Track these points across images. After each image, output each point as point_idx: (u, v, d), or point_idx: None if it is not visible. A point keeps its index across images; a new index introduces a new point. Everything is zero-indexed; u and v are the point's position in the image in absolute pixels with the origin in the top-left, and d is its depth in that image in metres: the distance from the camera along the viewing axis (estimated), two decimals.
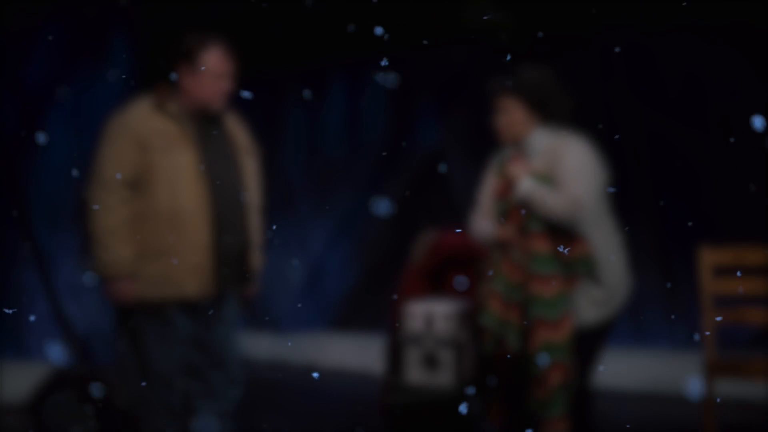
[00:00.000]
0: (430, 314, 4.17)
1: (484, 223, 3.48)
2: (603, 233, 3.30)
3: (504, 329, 3.30)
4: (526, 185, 3.22)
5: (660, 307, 6.14)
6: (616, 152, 6.21)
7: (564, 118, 3.34)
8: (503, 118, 3.35)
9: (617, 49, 6.23)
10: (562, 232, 3.20)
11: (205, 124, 3.40)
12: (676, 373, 5.74)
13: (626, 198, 6.23)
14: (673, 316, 6.06)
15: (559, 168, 3.22)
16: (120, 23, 5.73)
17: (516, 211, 3.28)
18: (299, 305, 7.88)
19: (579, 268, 3.21)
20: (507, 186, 3.33)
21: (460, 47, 6.79)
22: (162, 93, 3.37)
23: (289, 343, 7.55)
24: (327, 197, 7.75)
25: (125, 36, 5.74)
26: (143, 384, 3.31)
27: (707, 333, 3.88)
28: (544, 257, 3.19)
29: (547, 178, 3.24)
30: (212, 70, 3.33)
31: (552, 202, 3.16)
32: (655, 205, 6.14)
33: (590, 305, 3.26)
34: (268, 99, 8.06)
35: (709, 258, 3.96)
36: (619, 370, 5.93)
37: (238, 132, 3.53)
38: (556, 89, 3.32)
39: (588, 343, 3.28)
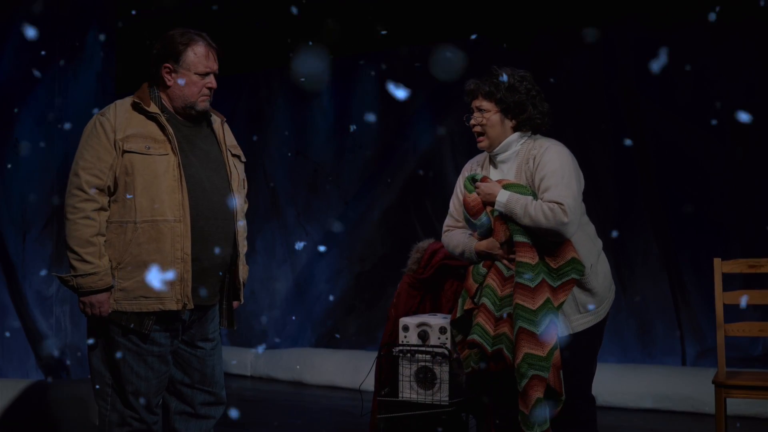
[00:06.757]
0: (425, 328, 4.04)
1: (458, 235, 3.43)
2: (585, 239, 3.27)
3: (498, 343, 3.24)
4: (504, 198, 3.21)
5: (670, 322, 5.99)
6: (623, 156, 6.12)
7: (540, 124, 3.33)
8: (478, 121, 3.34)
9: (624, 47, 6.10)
10: (548, 239, 3.16)
11: (189, 126, 3.23)
12: (686, 389, 5.61)
13: (633, 206, 6.11)
14: (683, 332, 5.94)
15: (538, 174, 3.21)
16: (98, 19, 5.55)
17: (499, 223, 3.24)
18: (286, 318, 7.70)
19: (570, 273, 3.17)
20: (482, 202, 3.30)
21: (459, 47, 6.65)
22: (144, 92, 3.19)
23: (275, 358, 7.37)
24: (316, 203, 7.56)
25: (104, 33, 5.56)
26: (119, 402, 3.12)
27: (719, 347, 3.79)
28: (530, 268, 3.16)
29: (524, 187, 3.24)
30: (197, 68, 3.16)
31: (534, 210, 3.12)
32: (665, 215, 5.98)
33: (581, 312, 3.24)
34: (255, 99, 7.88)
35: (723, 270, 3.84)
36: (629, 386, 5.79)
37: (224, 134, 3.35)
38: (533, 95, 3.30)
39: (582, 350, 3.25)
